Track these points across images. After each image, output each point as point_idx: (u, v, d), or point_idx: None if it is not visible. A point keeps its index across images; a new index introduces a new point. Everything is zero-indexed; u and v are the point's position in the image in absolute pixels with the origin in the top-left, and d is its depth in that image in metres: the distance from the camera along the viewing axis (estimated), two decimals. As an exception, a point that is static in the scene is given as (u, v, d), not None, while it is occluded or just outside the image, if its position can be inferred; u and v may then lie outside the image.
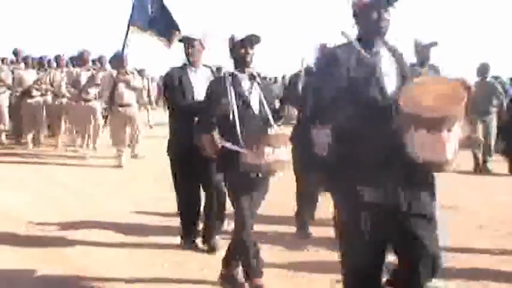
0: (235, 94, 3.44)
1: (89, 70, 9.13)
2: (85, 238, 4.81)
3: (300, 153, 4.26)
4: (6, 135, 10.76)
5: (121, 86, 8.14)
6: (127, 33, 7.93)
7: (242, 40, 3.44)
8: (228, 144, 3.32)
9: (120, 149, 8.46)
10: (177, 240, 4.61)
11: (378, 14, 2.48)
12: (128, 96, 8.32)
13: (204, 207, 4.44)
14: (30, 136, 10.28)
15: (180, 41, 4.33)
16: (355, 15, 2.56)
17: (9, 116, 10.53)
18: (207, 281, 3.85)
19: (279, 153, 3.25)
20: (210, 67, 4.45)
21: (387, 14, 2.50)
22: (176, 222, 4.77)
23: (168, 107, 4.58)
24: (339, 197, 2.52)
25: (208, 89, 3.66)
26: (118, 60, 8.10)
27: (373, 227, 2.38)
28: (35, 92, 10.16)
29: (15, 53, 10.96)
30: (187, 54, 4.33)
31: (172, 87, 4.30)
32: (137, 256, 4.38)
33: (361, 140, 2.40)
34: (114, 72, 8.40)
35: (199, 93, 4.16)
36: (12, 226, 5.15)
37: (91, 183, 7.32)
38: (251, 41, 3.46)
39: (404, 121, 2.31)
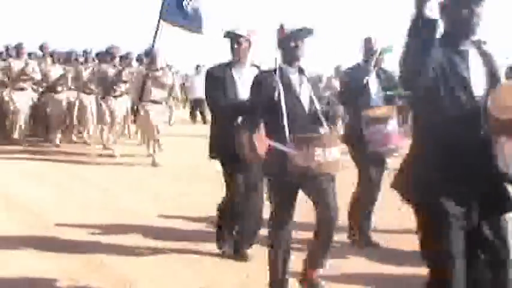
0: (284, 90, 3.21)
1: (115, 66, 8.95)
2: (104, 233, 4.83)
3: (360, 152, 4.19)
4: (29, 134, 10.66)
5: (150, 83, 7.96)
6: (157, 28, 7.77)
7: (293, 32, 3.22)
8: (277, 144, 3.13)
9: (154, 146, 8.31)
10: (197, 235, 4.68)
11: (469, 9, 2.27)
12: (157, 94, 8.16)
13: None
14: (58, 133, 10.24)
15: (226, 36, 4.07)
16: (442, 8, 2.34)
17: (33, 114, 10.45)
18: (224, 277, 3.88)
19: (330, 154, 3.07)
20: (258, 66, 4.19)
21: (479, 9, 2.28)
22: (195, 216, 4.93)
23: (210, 107, 4.31)
24: (425, 207, 2.33)
25: (254, 84, 3.41)
26: (149, 56, 7.92)
27: (460, 238, 2.25)
28: (60, 88, 10.07)
29: (42, 48, 10.88)
30: (232, 51, 4.07)
31: (213, 86, 4.04)
32: (156, 251, 4.41)
33: (446, 147, 2.22)
34: (143, 69, 8.26)
35: (244, 93, 3.92)
36: (34, 222, 5.20)
37: (111, 179, 7.38)
38: (303, 33, 3.25)
39: (495, 128, 2.13)
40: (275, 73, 3.26)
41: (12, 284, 3.77)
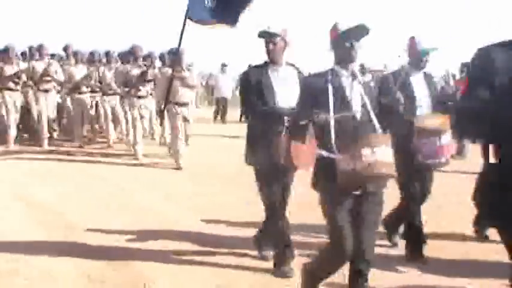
0: (335, 94, 2.99)
1: (140, 67, 8.76)
2: (123, 233, 4.85)
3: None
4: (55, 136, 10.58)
5: (176, 84, 7.78)
6: (183, 27, 7.61)
7: (348, 31, 2.99)
8: (324, 152, 2.93)
9: (177, 150, 8.10)
10: (215, 235, 4.73)
11: None
12: (184, 95, 7.98)
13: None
14: (78, 133, 10.15)
15: (260, 36, 3.89)
16: None
17: (58, 113, 10.38)
18: (243, 275, 3.88)
19: (380, 153, 2.84)
20: (294, 65, 4.02)
21: None
22: (212, 217, 5.09)
23: (244, 111, 4.09)
24: None
25: (303, 87, 3.24)
26: (174, 57, 7.74)
27: None
28: (84, 88, 9.97)
29: (66, 48, 10.80)
30: (268, 52, 3.87)
31: (249, 89, 3.87)
32: (174, 250, 4.43)
33: None
34: (168, 69, 8.08)
35: (282, 95, 3.78)
36: (53, 222, 5.24)
37: (131, 179, 7.42)
38: (358, 32, 3.01)
39: None
40: (326, 76, 3.05)
41: (32, 284, 3.75)
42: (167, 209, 5.80)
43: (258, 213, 4.09)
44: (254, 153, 3.90)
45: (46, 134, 9.88)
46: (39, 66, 9.75)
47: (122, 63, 10.58)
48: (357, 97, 3.04)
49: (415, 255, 4.22)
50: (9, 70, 9.64)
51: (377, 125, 3.00)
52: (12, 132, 9.69)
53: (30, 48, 10.66)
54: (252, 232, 4.29)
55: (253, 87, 3.83)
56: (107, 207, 5.81)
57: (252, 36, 3.99)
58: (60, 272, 3.93)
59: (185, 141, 8.17)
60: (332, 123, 2.92)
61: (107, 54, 10.42)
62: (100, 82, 10.04)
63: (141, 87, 8.67)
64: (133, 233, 4.87)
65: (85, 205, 5.90)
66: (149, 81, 8.71)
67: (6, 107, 9.72)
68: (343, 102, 3.00)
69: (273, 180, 3.84)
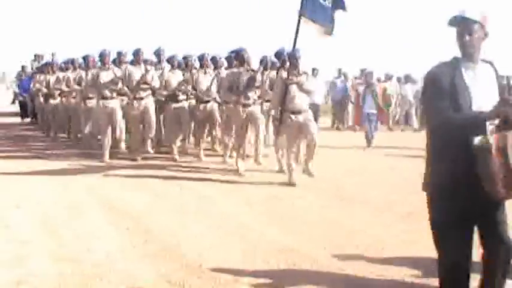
0: None
1: (248, 71, 8.21)
2: (201, 237, 5.02)
3: None
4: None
5: (293, 89, 7.19)
6: (298, 25, 7.19)
7: None
8: None
9: (290, 163, 7.51)
10: (291, 240, 4.79)
11: None
12: (301, 101, 7.37)
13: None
14: (176, 146, 9.77)
15: (451, 23, 3.08)
16: None
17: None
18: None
19: None
20: (491, 62, 3.19)
21: None
22: (288, 221, 5.35)
23: (431, 120, 3.30)
24: None
25: None
26: (288, 58, 7.27)
27: None
28: (181, 96, 9.62)
29: (157, 53, 10.55)
30: (462, 44, 3.05)
31: (439, 93, 3.03)
32: (254, 255, 4.50)
33: None
34: (274, 72, 7.58)
35: (480, 101, 2.97)
36: (131, 226, 5.41)
37: (208, 185, 7.48)
38: None
39: None
40: None
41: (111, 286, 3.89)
42: (246, 213, 5.95)
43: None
44: (441, 177, 3.05)
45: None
46: (136, 72, 9.47)
47: (214, 68, 10.23)
48: None
49: None
50: (105, 76, 9.46)
51: None
52: (107, 142, 9.50)
53: (120, 53, 10.47)
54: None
55: (443, 90, 3.01)
56: (186, 212, 5.95)
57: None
58: (141, 276, 4.07)
59: (306, 157, 7.54)
60: None
61: (201, 58, 10.06)
62: (194, 89, 9.68)
63: (249, 94, 8.12)
64: (213, 236, 5.04)
65: (163, 210, 6.09)
66: (257, 87, 8.19)
67: (100, 117, 9.57)
68: None
69: (464, 222, 3.00)
